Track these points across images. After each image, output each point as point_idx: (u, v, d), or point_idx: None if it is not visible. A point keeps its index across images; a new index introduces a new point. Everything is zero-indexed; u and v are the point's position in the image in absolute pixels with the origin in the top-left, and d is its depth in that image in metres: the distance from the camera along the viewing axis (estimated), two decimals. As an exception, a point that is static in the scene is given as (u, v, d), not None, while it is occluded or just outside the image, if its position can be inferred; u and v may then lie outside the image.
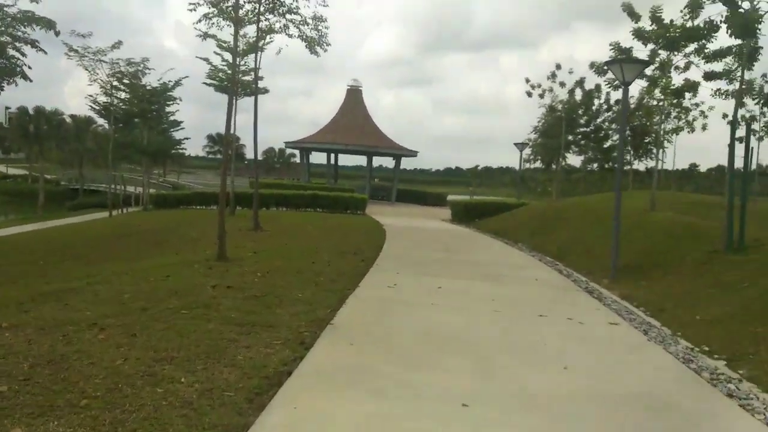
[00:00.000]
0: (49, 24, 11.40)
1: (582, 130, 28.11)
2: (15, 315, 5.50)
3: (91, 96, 25.09)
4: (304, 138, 34.72)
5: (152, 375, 3.86)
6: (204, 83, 18.82)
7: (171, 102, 28.08)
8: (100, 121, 33.15)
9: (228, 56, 18.33)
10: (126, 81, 24.34)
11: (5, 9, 11.07)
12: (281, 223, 16.70)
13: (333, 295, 6.93)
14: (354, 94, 35.46)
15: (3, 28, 11.26)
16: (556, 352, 5.26)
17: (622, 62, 8.96)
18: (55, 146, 41.00)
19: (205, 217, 19.57)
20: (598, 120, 26.84)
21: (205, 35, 14.31)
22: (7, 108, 42.00)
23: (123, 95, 25.00)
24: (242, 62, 18.37)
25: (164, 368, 4.01)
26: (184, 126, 42.86)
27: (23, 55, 12.04)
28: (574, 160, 33.37)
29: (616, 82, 16.09)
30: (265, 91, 19.03)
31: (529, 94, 26.17)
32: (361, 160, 40.16)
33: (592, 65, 24.61)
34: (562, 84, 25.01)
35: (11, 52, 11.79)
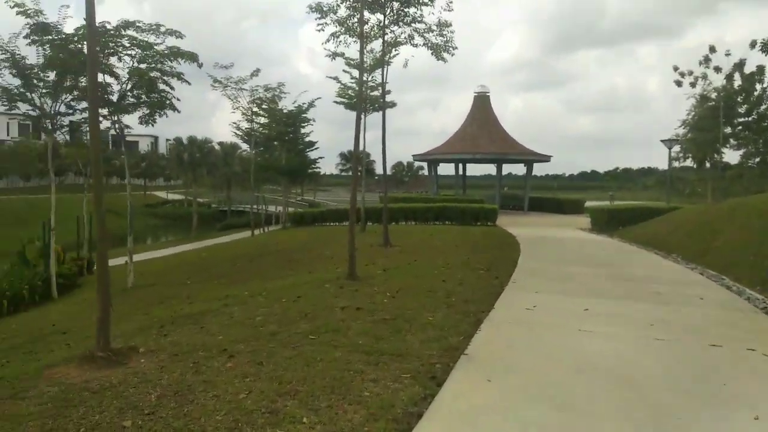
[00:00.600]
0: (192, 57, 12.28)
1: (742, 120, 24.85)
2: (154, 339, 5.68)
3: (234, 123, 27.08)
4: (431, 150, 34.52)
5: (274, 412, 3.64)
6: (335, 102, 19.35)
7: (305, 123, 29.37)
8: (244, 146, 35.68)
9: (356, 73, 18.67)
10: (264, 106, 25.87)
11: (155, 47, 12.07)
12: (410, 237, 16.48)
13: (466, 318, 6.41)
14: (481, 101, 34.62)
15: (153, 65, 12.30)
16: (739, 395, 4.28)
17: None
18: (206, 172, 44.93)
19: (338, 233, 20.00)
20: (762, 107, 23.51)
21: (334, 54, 14.66)
22: (167, 140, 46.89)
23: (262, 120, 26.56)
24: (369, 77, 18.61)
25: (287, 404, 3.77)
26: (318, 146, 44.93)
27: (171, 88, 13.07)
28: (731, 155, 29.72)
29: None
30: (393, 105, 19.13)
31: (679, 84, 23.66)
32: (490, 169, 39.07)
33: (753, 44, 21.68)
34: (717, 69, 22.23)
35: (161, 86, 12.86)
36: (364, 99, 19.08)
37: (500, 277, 9.47)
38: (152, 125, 13.55)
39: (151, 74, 12.28)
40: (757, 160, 28.01)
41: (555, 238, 17.48)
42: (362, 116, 19.85)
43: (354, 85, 18.77)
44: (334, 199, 51.32)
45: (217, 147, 44.30)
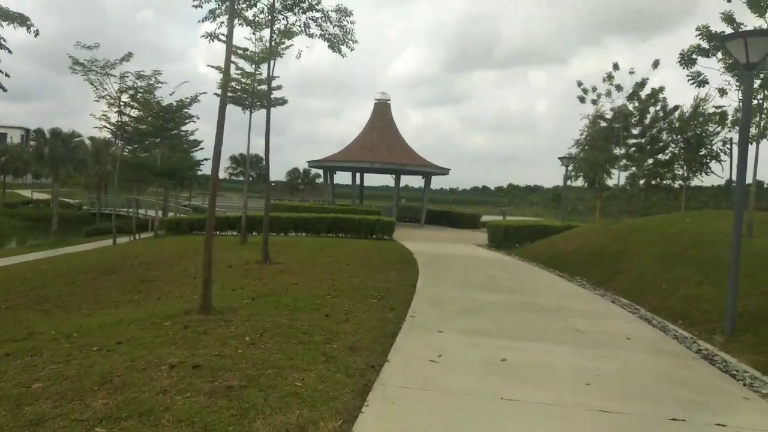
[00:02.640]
0: (21, 19, 9.53)
1: (634, 141, 25.39)
2: None
3: (102, 115, 23.48)
4: (327, 156, 32.67)
5: None
6: (216, 94, 16.90)
7: (188, 120, 26.40)
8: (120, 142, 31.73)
9: (243, 64, 16.42)
10: (139, 96, 22.64)
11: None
12: (297, 252, 14.46)
13: (349, 380, 4.58)
14: (382, 108, 33.34)
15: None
16: None
17: (746, 36, 6.48)
18: (74, 169, 39.80)
19: (215, 245, 17.48)
20: (654, 130, 24.08)
21: (210, 36, 12.31)
22: (27, 131, 41.11)
23: (134, 113, 23.29)
24: (257, 71, 16.40)
25: None
26: (203, 146, 41.40)
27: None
28: (619, 177, 30.57)
29: (702, 76, 13.62)
30: (283, 102, 17.02)
31: (582, 100, 23.62)
32: (388, 180, 37.87)
33: (655, 64, 21.95)
34: (619, 87, 22.35)
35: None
36: (252, 93, 16.86)
37: (396, 308, 7.77)
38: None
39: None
40: (641, 182, 28.96)
41: (455, 256, 16.24)
42: (250, 112, 17.67)
43: (240, 77, 16.48)
44: (227, 204, 47.84)
45: (87, 142, 39.27)
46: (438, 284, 10.46)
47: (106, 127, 24.50)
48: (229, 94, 17.12)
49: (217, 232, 22.95)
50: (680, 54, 12.81)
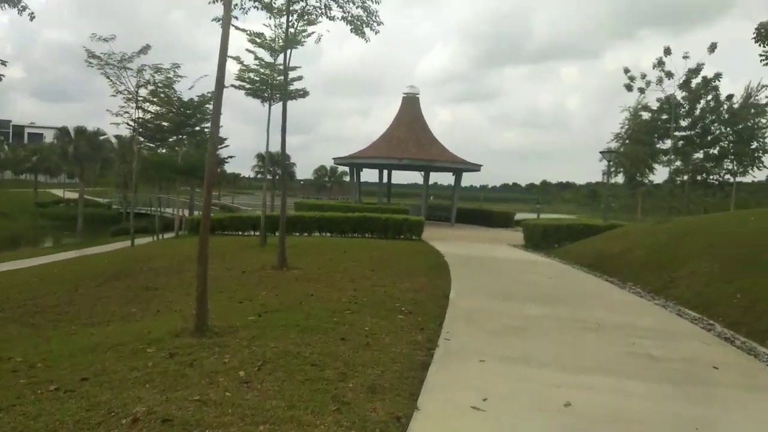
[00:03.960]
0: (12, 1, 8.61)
1: (683, 134, 23.57)
2: None
3: (121, 111, 22.78)
4: (354, 153, 31.56)
5: None
6: (233, 86, 15.90)
7: (209, 116, 25.53)
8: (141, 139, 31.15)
9: (262, 53, 15.34)
10: (160, 90, 21.86)
11: None
12: (318, 256, 13.37)
13: (365, 444, 3.40)
14: (410, 103, 32.04)
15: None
16: None
17: None
18: (100, 168, 39.61)
19: (235, 247, 16.57)
20: (707, 120, 22.24)
21: (218, 19, 11.25)
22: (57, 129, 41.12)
23: (154, 108, 22.54)
24: (276, 60, 15.32)
25: None
26: (228, 144, 40.76)
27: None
28: (661, 171, 28.71)
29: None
30: (304, 93, 15.90)
31: (629, 87, 21.90)
32: (417, 177, 36.56)
33: (712, 48, 20.06)
34: (669, 74, 20.54)
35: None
36: (270, 84, 15.79)
37: (427, 326, 6.56)
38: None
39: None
40: (685, 178, 27.09)
41: (489, 259, 14.92)
42: (269, 105, 16.63)
43: (258, 67, 15.42)
44: (257, 203, 47.28)
45: (114, 140, 38.96)
46: (474, 294, 9.21)
47: (127, 124, 23.85)
48: (247, 86, 16.14)
49: (240, 233, 22.16)
50: (756, 29, 11.26)
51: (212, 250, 15.75)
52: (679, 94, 21.23)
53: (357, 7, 11.91)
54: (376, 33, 12.16)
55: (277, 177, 55.03)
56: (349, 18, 12.02)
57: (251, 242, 17.35)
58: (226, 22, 6.05)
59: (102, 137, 37.12)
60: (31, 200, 58.40)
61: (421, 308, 7.57)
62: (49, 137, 75.07)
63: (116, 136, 39.47)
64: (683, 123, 22.39)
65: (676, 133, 22.39)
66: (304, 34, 13.74)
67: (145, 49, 19.16)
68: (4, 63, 9.16)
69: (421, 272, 11.21)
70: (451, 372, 4.96)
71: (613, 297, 9.89)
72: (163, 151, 28.07)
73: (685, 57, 20.22)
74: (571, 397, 4.44)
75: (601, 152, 22.77)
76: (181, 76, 20.61)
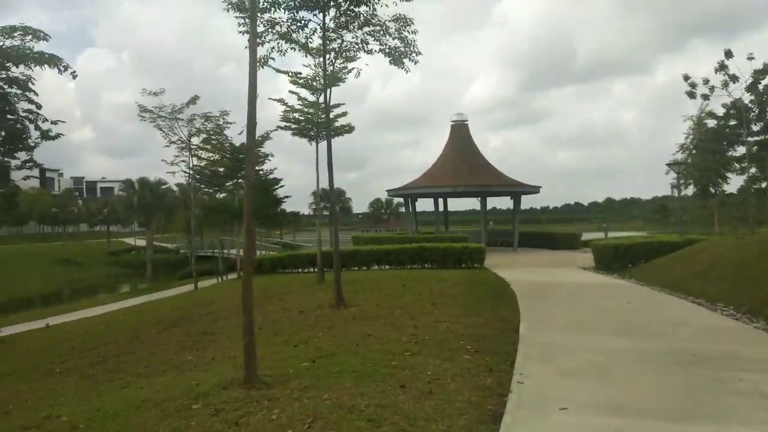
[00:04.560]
0: (52, 61, 8.87)
1: (756, 139, 21.84)
2: None
3: (182, 160, 23.49)
4: (407, 184, 31.19)
5: None
6: (279, 127, 15.95)
7: (262, 158, 25.91)
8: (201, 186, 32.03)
9: (305, 93, 15.33)
10: (213, 138, 22.37)
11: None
12: (376, 291, 12.88)
13: None
14: (459, 130, 31.50)
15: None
16: None
17: None
18: (165, 216, 41.08)
19: (293, 286, 16.34)
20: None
21: (260, 62, 11.25)
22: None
23: (207, 155, 23.06)
24: (319, 97, 15.28)
25: None
26: (284, 184, 41.43)
27: (36, 106, 9.59)
28: (736, 180, 26.69)
29: None
30: (349, 129, 15.73)
31: (692, 95, 20.53)
32: (473, 202, 35.70)
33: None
34: (734, 78, 19.10)
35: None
36: (316, 123, 15.70)
37: (496, 367, 5.89)
38: (13, 158, 10.01)
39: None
40: (763, 185, 25.09)
41: (559, 284, 13.97)
42: (316, 143, 16.56)
43: (301, 106, 15.39)
44: (316, 239, 47.64)
45: (175, 188, 40.39)
46: (546, 326, 8.43)
47: (183, 172, 24.51)
48: (293, 126, 16.11)
49: (299, 270, 22.03)
50: None
51: (270, 290, 15.63)
52: (747, 98, 19.68)
53: (394, 39, 11.68)
54: (415, 63, 11.89)
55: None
56: (387, 50, 11.80)
57: (310, 280, 17.10)
58: (252, 62, 5.84)
59: (164, 186, 38.69)
60: (104, 250, 61.32)
61: (488, 345, 6.90)
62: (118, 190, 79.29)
63: (177, 185, 41.00)
64: (755, 128, 20.70)
65: (749, 139, 20.72)
66: (344, 71, 13.62)
67: (194, 100, 19.68)
68: (55, 123, 9.46)
69: (486, 304, 10.49)
70: (528, 426, 4.29)
71: (704, 322, 8.84)
72: (222, 195, 28.65)
73: (750, 58, 18.71)
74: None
75: (667, 164, 21.41)
76: (230, 123, 21.01)
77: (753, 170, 24.48)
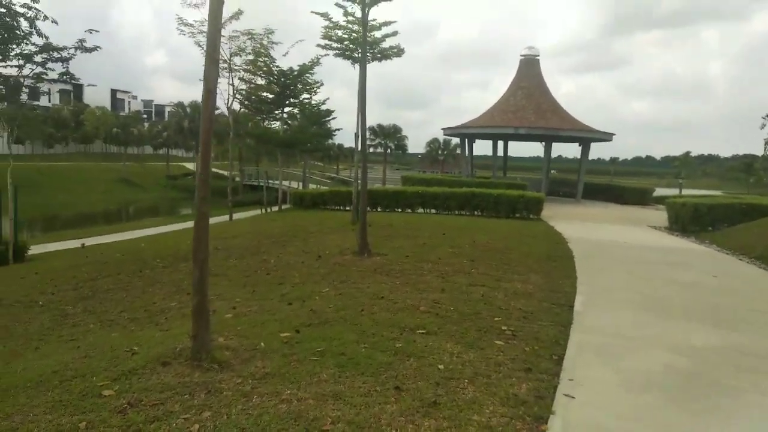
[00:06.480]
0: None
1: None
2: None
3: (231, 84, 22.22)
4: (465, 123, 28.89)
5: None
6: (318, 45, 14.13)
7: (311, 86, 24.25)
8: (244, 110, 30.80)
9: (350, 7, 13.34)
10: (259, 59, 20.85)
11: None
12: (411, 239, 11.33)
13: None
14: (529, 66, 28.63)
15: None
16: None
17: None
18: (217, 142, 40.47)
19: (326, 224, 15.06)
20: None
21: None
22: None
23: (248, 76, 21.64)
24: (368, 12, 13.29)
25: None
26: (335, 116, 39.85)
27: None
28: None
29: None
30: (398, 52, 13.75)
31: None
32: (538, 149, 32.95)
33: None
34: None
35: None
36: (360, 42, 13.77)
37: (537, 365, 4.27)
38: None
39: None
40: None
41: (626, 246, 11.98)
42: (362, 67, 14.68)
43: (344, 23, 13.44)
44: (371, 176, 46.38)
45: (226, 114, 39.47)
46: (608, 302, 6.67)
47: (229, 95, 23.27)
48: (335, 45, 14.27)
49: (340, 207, 20.78)
50: None
51: (299, 227, 14.36)
52: None
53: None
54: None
55: (389, 150, 53.71)
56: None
57: (345, 219, 15.77)
58: None
59: (217, 111, 37.80)
60: (163, 173, 62.35)
61: (531, 327, 5.27)
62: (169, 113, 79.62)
63: (229, 109, 40.06)
64: None
65: None
66: None
67: (237, 15, 18.04)
68: (90, 33, 8.22)
69: (536, 265, 8.76)
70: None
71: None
72: (274, 124, 27.43)
73: None
74: None
75: (764, 117, 18.29)
76: (275, 42, 19.32)
77: None
